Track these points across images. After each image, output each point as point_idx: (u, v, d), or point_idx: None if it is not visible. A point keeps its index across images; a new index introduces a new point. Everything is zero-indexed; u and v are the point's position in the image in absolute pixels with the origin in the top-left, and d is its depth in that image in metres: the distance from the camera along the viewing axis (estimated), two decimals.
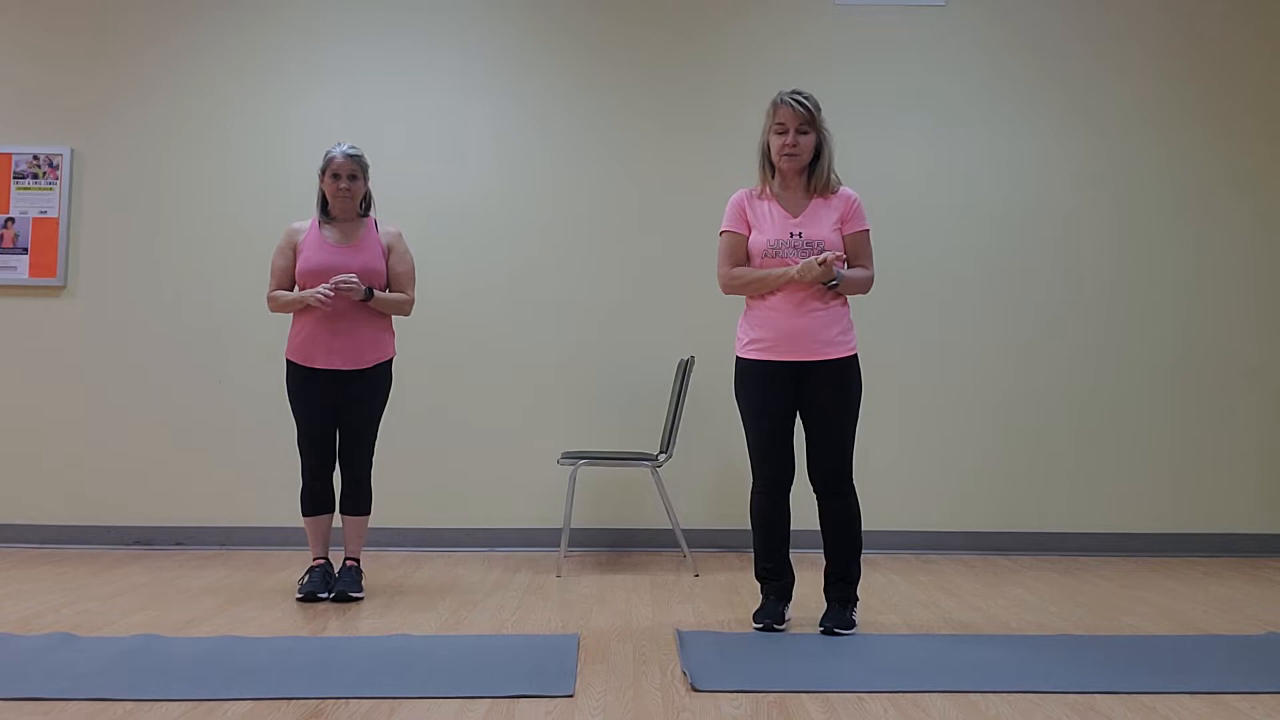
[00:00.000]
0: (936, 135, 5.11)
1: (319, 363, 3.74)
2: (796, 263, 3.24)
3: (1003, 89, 5.14)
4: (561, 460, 4.44)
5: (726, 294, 3.43)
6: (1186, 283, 5.09)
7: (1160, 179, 5.12)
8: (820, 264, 3.16)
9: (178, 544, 4.94)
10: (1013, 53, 5.14)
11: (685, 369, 4.54)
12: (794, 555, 3.60)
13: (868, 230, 3.36)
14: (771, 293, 3.30)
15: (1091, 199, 5.11)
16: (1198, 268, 5.10)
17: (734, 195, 3.43)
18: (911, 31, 5.13)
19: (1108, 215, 5.11)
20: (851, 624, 3.26)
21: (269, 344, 4.95)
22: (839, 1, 5.13)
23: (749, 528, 3.50)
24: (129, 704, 2.45)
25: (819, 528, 3.35)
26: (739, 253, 3.36)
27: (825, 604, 3.33)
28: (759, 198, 3.38)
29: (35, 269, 5.01)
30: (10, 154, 5.03)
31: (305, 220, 3.87)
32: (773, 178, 3.38)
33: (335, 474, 3.85)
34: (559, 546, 4.66)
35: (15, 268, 5.01)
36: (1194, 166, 5.13)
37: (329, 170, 3.78)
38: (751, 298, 3.36)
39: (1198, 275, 5.10)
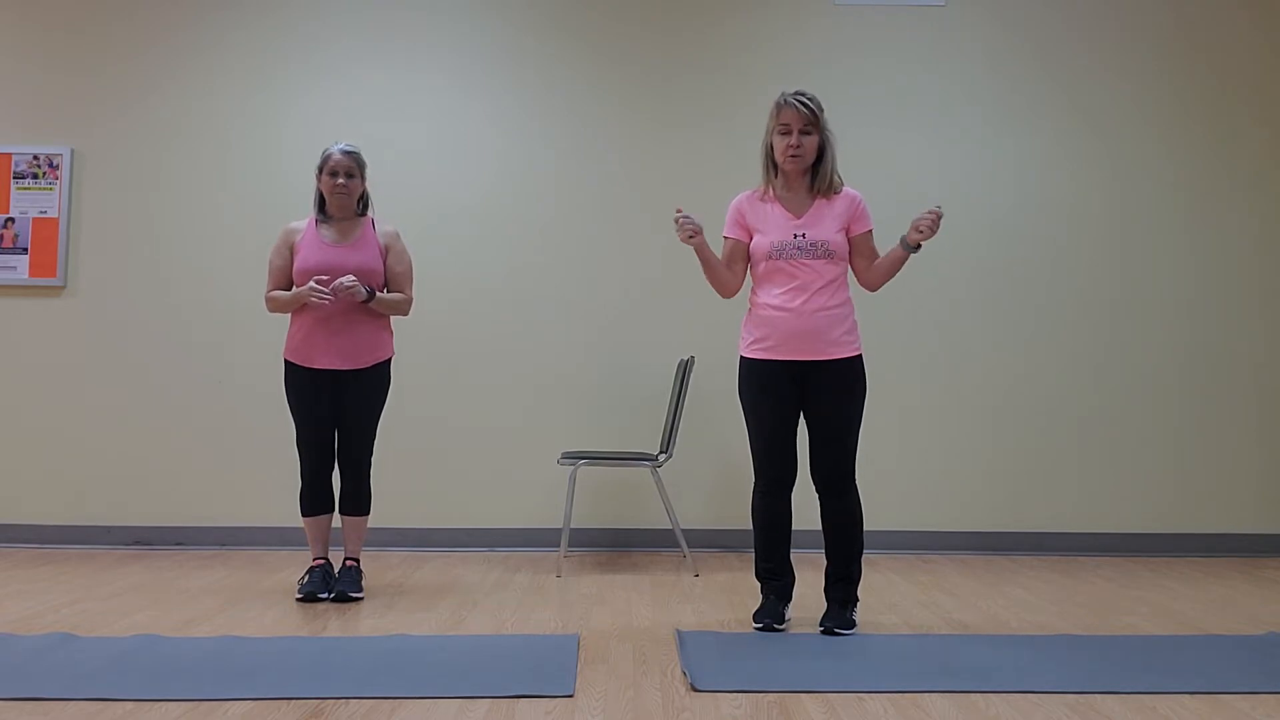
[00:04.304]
0: (936, 135, 5.11)
1: (318, 362, 3.74)
2: (802, 263, 3.25)
3: (1003, 89, 5.14)
4: (561, 460, 4.43)
5: (723, 296, 3.45)
6: (1187, 283, 5.09)
7: (1161, 179, 5.12)
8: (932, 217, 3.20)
9: (177, 544, 4.94)
10: (1013, 52, 5.14)
11: (685, 369, 4.54)
12: (794, 555, 3.59)
13: (872, 229, 3.37)
14: (777, 291, 3.29)
15: (1092, 199, 5.11)
16: (1198, 268, 5.10)
17: (734, 199, 3.43)
18: (911, 31, 5.13)
19: (1108, 215, 5.11)
20: (852, 624, 3.26)
21: (268, 344, 4.95)
22: (839, 1, 5.13)
23: (749, 528, 3.50)
24: (129, 704, 2.45)
25: (820, 528, 3.35)
26: (733, 258, 3.38)
27: (825, 604, 3.34)
28: (762, 199, 3.38)
29: (35, 269, 5.01)
30: (10, 154, 5.03)
31: (303, 220, 3.87)
32: (776, 179, 3.38)
33: (335, 474, 3.85)
34: (559, 546, 4.66)
35: (15, 268, 5.01)
36: (1195, 166, 5.13)
37: (326, 168, 3.78)
38: (755, 298, 3.36)
39: (1198, 275, 5.10)
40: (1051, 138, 5.12)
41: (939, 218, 3.20)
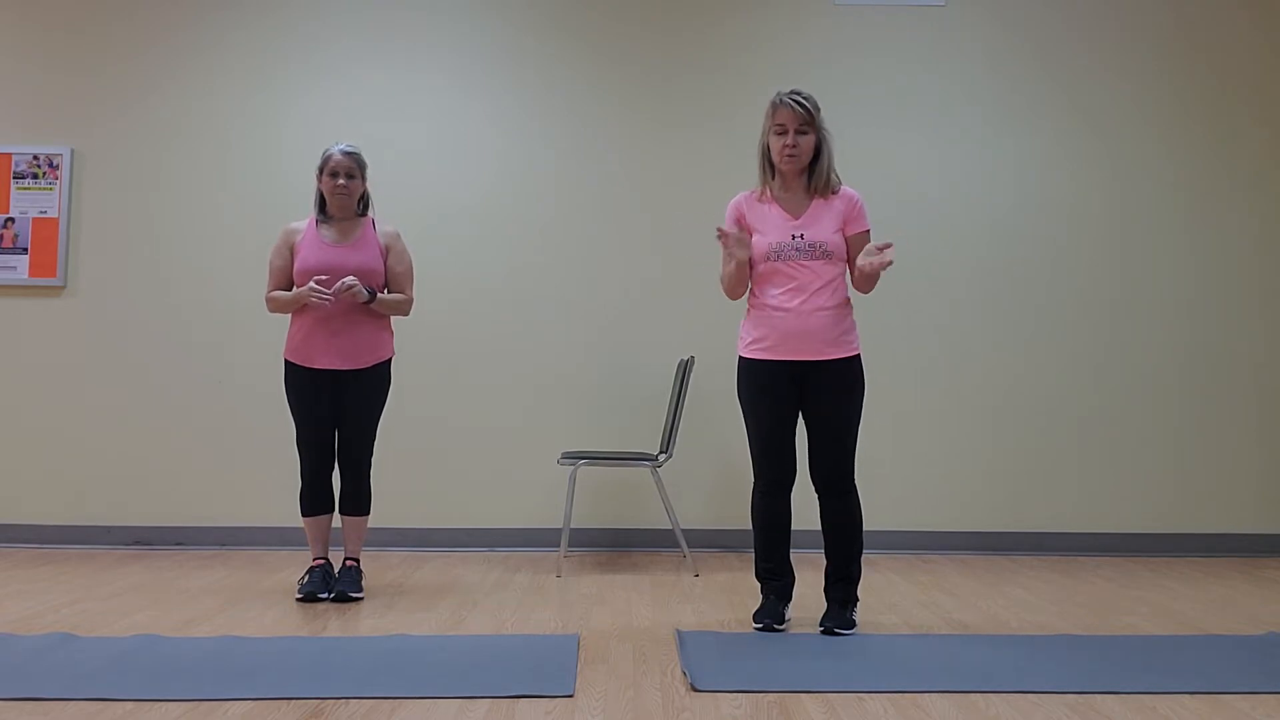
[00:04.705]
0: (936, 135, 5.11)
1: (318, 363, 3.74)
2: (800, 264, 3.24)
3: (1003, 89, 5.14)
4: (561, 460, 4.43)
5: (731, 298, 3.44)
6: (1187, 283, 5.10)
7: (1161, 179, 5.12)
8: (881, 252, 3.16)
9: (177, 544, 4.94)
10: (1013, 52, 5.14)
11: (685, 369, 4.54)
12: (794, 555, 3.60)
13: (869, 230, 3.37)
14: (775, 292, 3.29)
15: (1092, 199, 5.11)
16: (1198, 268, 5.10)
17: (733, 199, 3.43)
18: (911, 31, 5.13)
19: (1108, 215, 5.11)
20: (851, 624, 3.26)
21: (268, 344, 4.95)
22: (839, 1, 5.13)
23: (749, 528, 3.50)
24: (129, 704, 2.45)
25: (819, 528, 3.35)
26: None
27: (825, 604, 3.33)
28: (759, 200, 3.38)
29: (35, 269, 5.01)
30: (10, 154, 5.03)
31: (303, 220, 3.87)
32: (773, 179, 3.38)
33: (335, 474, 3.85)
34: (559, 546, 4.66)
35: (15, 268, 5.01)
36: (1195, 166, 5.13)
37: (327, 168, 3.78)
38: (754, 298, 3.36)
39: (1198, 275, 5.10)
40: (1051, 138, 5.12)
41: (885, 265, 3.16)
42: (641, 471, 4.95)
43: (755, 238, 3.34)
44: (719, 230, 3.22)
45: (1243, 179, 5.12)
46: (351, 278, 3.65)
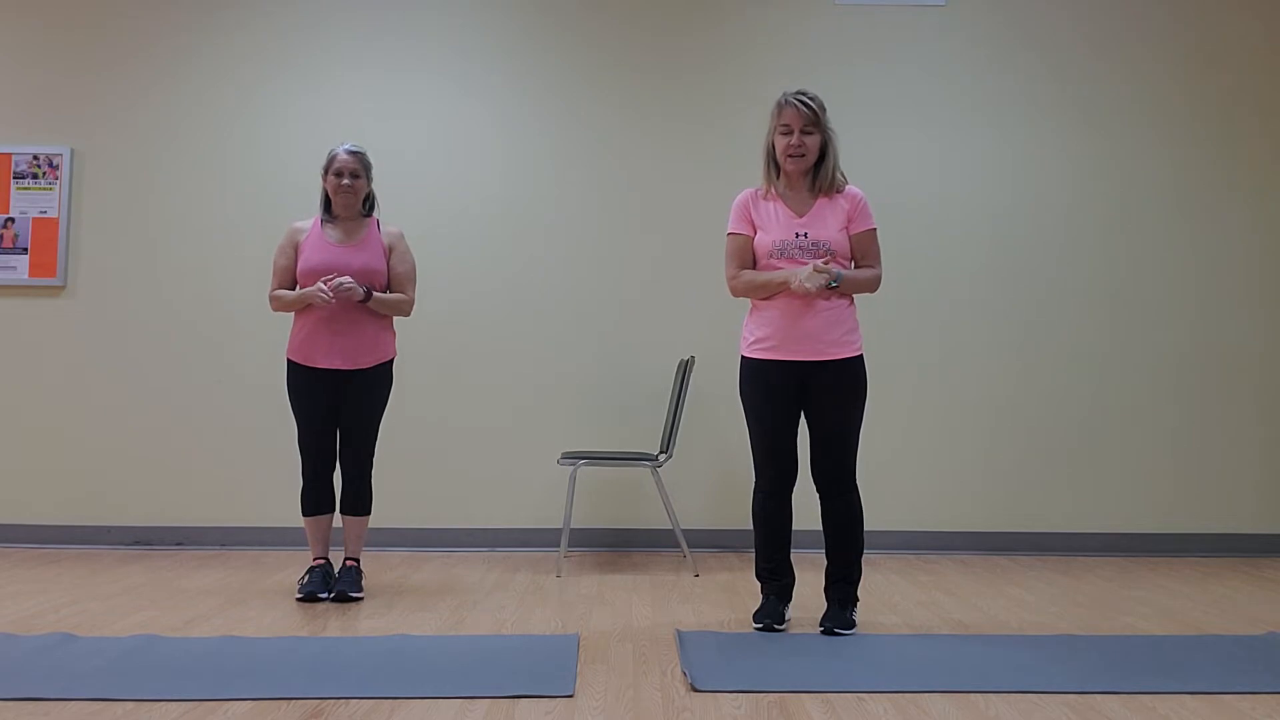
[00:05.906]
0: (937, 135, 5.11)
1: (319, 363, 3.74)
2: (803, 263, 3.23)
3: (1004, 89, 5.13)
4: (561, 460, 4.43)
5: (735, 296, 3.43)
6: (1188, 283, 5.09)
7: (1163, 179, 5.12)
8: (816, 270, 3.16)
9: (177, 544, 4.94)
10: (1014, 52, 5.14)
11: (685, 369, 4.54)
12: (794, 555, 3.59)
13: (874, 229, 3.36)
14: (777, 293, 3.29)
15: (1093, 199, 5.11)
16: (1200, 268, 5.10)
17: (738, 196, 3.42)
18: (912, 31, 5.13)
19: (1110, 215, 5.11)
20: (852, 624, 3.26)
21: (269, 344, 4.95)
22: (839, 1, 5.13)
23: (749, 528, 3.51)
24: (129, 704, 2.45)
25: (820, 528, 3.35)
26: (745, 255, 3.36)
27: (825, 604, 3.33)
28: (764, 198, 3.37)
29: (35, 269, 5.01)
30: (10, 154, 5.03)
31: (308, 219, 3.88)
32: (777, 178, 3.38)
33: (336, 474, 3.85)
34: (559, 546, 4.66)
35: (15, 268, 5.01)
36: (1197, 166, 5.12)
37: (331, 168, 3.78)
38: (757, 298, 3.35)
39: (1200, 275, 5.10)
40: (1052, 137, 5.12)
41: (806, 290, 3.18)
42: (641, 471, 4.95)
43: (759, 235, 3.33)
44: (816, 267, 3.18)
45: (1244, 179, 5.12)
46: (347, 276, 3.65)
